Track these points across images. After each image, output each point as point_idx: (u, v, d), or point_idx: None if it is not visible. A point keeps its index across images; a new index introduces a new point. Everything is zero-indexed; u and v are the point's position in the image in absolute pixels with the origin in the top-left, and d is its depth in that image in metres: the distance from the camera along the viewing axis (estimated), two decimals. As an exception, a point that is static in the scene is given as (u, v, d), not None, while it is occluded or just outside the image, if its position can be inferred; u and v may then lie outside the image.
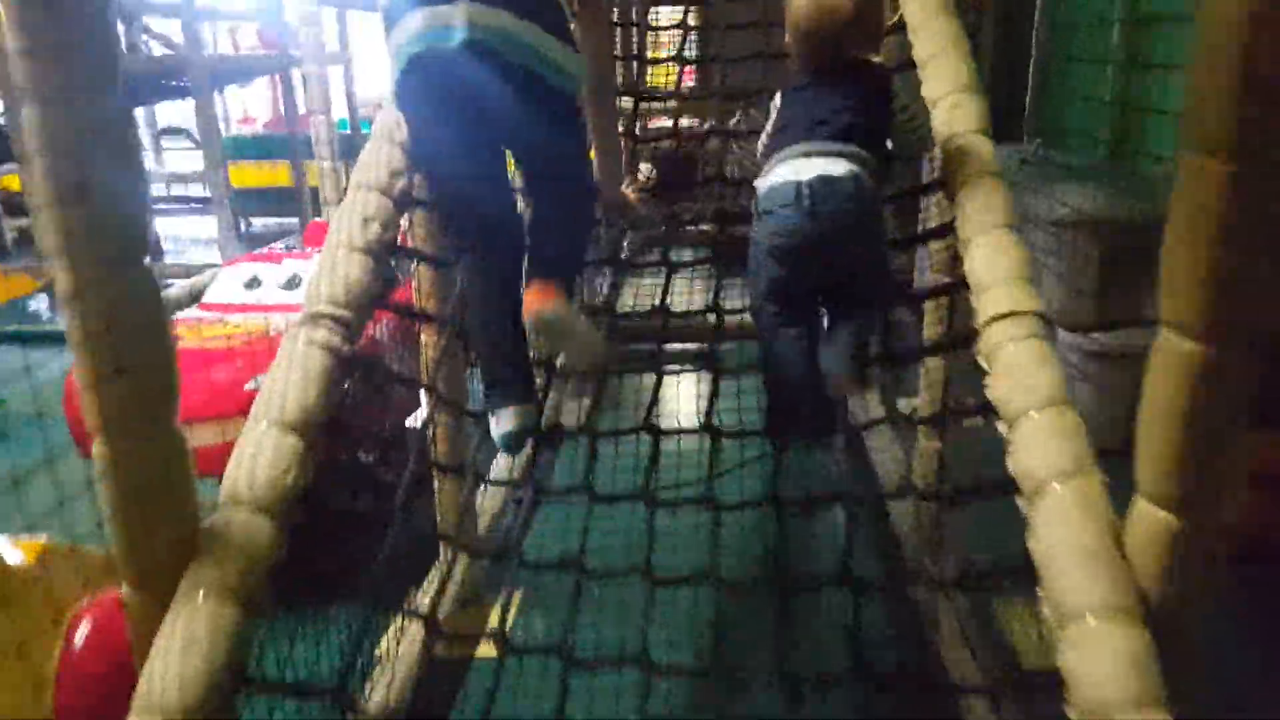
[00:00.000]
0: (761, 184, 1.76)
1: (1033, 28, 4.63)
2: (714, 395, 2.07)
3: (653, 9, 3.87)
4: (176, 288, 5.53)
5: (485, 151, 1.73)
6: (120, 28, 7.98)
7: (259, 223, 10.18)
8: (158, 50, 8.12)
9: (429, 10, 1.58)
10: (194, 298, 3.82)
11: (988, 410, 1.49)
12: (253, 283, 3.35)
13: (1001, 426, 1.42)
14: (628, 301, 2.88)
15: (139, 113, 10.99)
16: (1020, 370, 1.40)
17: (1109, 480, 1.25)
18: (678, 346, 2.49)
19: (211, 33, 10.20)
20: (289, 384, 1.50)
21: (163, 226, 9.83)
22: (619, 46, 3.32)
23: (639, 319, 2.44)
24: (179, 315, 3.31)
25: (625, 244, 2.48)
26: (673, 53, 2.93)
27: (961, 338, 1.76)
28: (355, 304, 1.64)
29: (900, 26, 2.06)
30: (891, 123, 1.79)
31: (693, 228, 3.09)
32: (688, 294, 2.42)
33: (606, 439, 2.10)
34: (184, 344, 2.75)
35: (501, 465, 3.03)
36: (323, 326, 1.59)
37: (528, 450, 2.04)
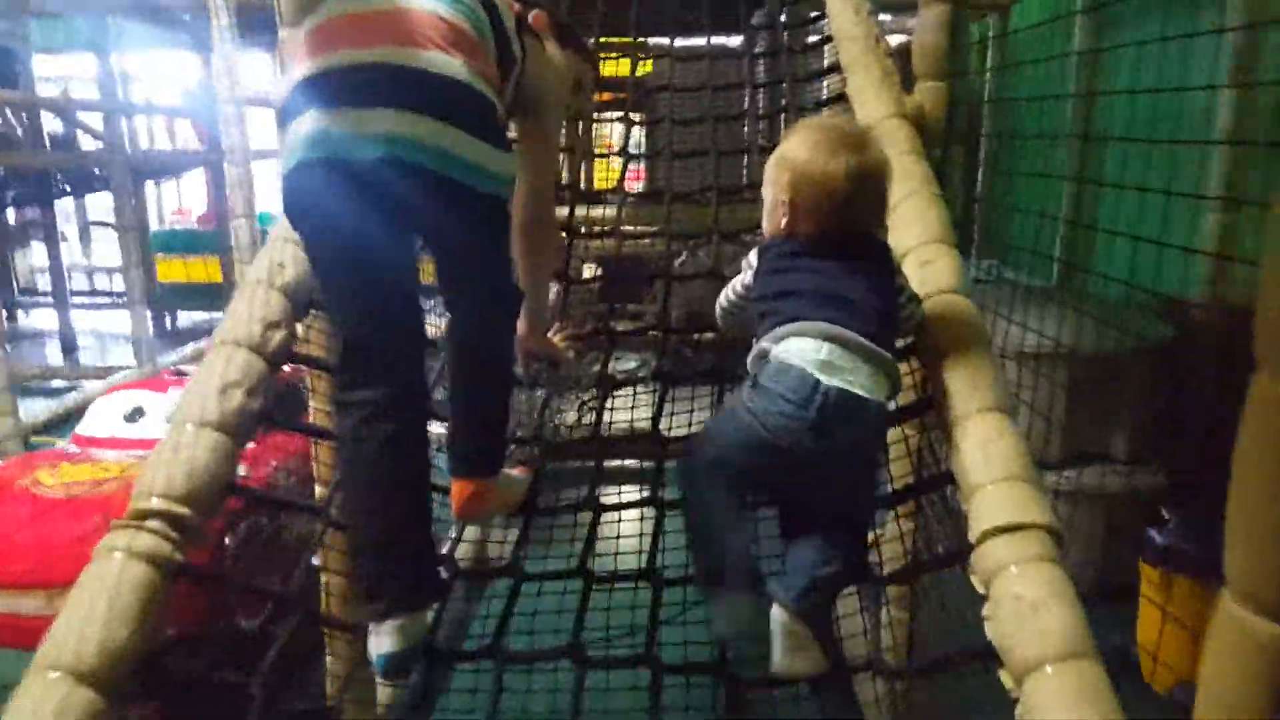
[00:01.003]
0: (771, 346, 1.37)
1: (979, 145, 4.57)
2: (658, 532, 1.72)
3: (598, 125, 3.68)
4: (60, 403, 5.11)
5: (391, 282, 1.40)
6: (50, 120, 7.72)
7: (186, 318, 9.75)
8: (89, 144, 7.84)
9: (334, 112, 1.30)
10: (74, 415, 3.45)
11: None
12: (135, 414, 2.98)
13: (1005, 677, 1.13)
14: (562, 413, 2.55)
15: (68, 204, 10.63)
16: (1031, 606, 1.11)
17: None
18: (618, 463, 2.12)
19: (147, 125, 9.97)
20: (92, 614, 1.15)
21: (86, 321, 9.37)
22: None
23: (574, 444, 2.12)
24: (44, 450, 2.93)
25: (552, 411, 2.14)
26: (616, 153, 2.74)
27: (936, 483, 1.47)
28: (198, 497, 1.31)
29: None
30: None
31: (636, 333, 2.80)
32: (629, 411, 2.07)
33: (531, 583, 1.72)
34: (36, 488, 2.36)
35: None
36: (148, 531, 1.25)
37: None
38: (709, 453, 1.41)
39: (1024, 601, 1.12)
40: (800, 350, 1.33)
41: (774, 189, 1.45)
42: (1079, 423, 3.48)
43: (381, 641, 1.35)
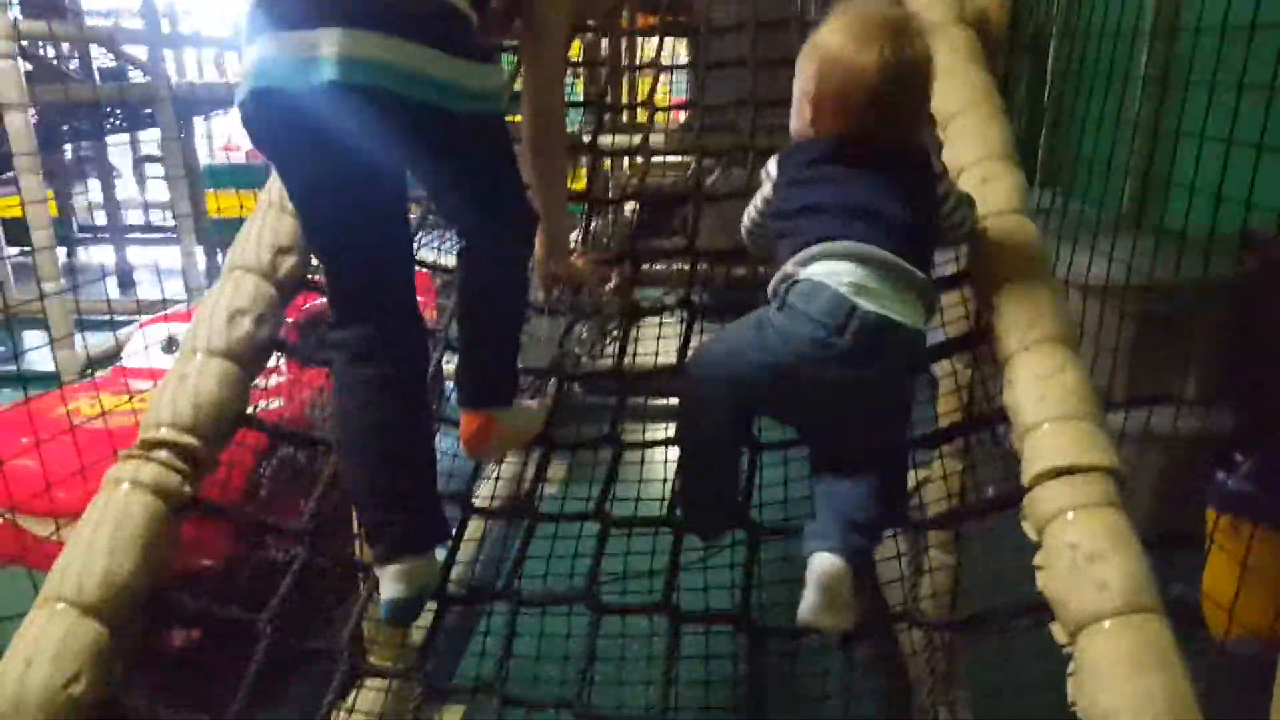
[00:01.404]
0: (798, 270, 1.25)
1: (1048, 67, 4.30)
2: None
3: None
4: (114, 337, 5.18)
5: (366, 215, 1.28)
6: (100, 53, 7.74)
7: (239, 254, 9.86)
8: (136, 77, 7.84)
9: (284, 35, 1.17)
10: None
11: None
12: (170, 344, 2.99)
13: (1057, 632, 1.04)
14: (583, 343, 2.44)
15: (122, 141, 10.74)
16: (1088, 557, 1.01)
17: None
18: (642, 401, 2.01)
19: (196, 59, 9.97)
20: (95, 546, 1.12)
21: (141, 256, 9.51)
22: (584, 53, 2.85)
23: (595, 380, 2.03)
24: (89, 379, 2.95)
25: (573, 340, 2.04)
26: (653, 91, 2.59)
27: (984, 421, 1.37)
28: (207, 428, 1.27)
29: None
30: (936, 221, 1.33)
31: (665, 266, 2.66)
32: (655, 342, 1.96)
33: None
34: (75, 417, 2.37)
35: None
36: (156, 461, 1.20)
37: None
38: (718, 372, 1.30)
39: (1080, 551, 1.02)
40: (831, 272, 1.20)
41: (801, 80, 1.30)
42: (1147, 361, 3.31)
43: (385, 588, 1.29)
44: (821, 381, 1.20)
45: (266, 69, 1.17)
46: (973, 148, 1.47)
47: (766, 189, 1.36)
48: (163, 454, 1.23)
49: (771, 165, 1.37)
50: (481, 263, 1.42)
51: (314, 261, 1.52)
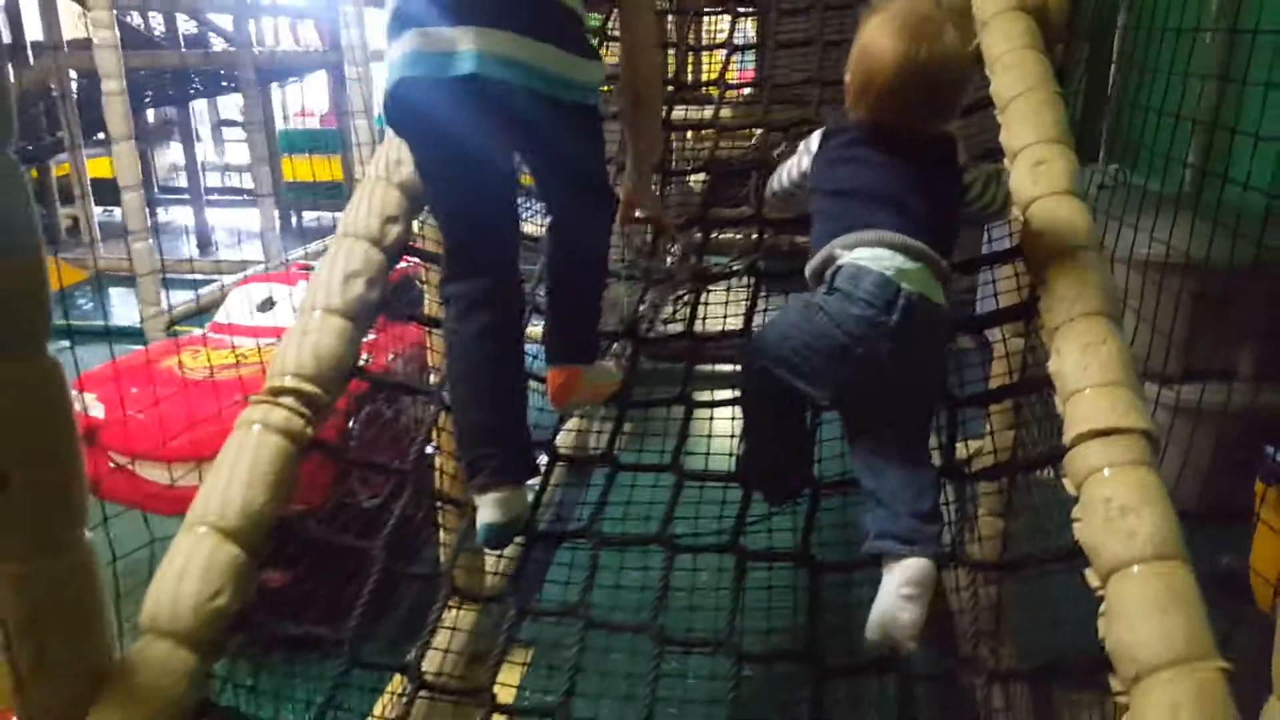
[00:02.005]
0: (842, 253, 1.35)
1: (1113, 40, 4.25)
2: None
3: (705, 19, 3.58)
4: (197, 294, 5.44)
5: (487, 187, 1.49)
6: (184, 20, 8.01)
7: (311, 216, 10.14)
8: (218, 45, 8.12)
9: (429, 32, 1.36)
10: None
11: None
12: (266, 304, 3.19)
13: (1091, 576, 1.15)
14: (657, 308, 2.58)
15: (201, 104, 11.09)
16: (1120, 509, 1.12)
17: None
18: (710, 368, 2.16)
19: (273, 27, 10.22)
20: (233, 479, 1.28)
21: (218, 218, 9.87)
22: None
23: (667, 343, 2.16)
24: (187, 335, 3.17)
25: (647, 305, 2.18)
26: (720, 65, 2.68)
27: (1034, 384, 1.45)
28: (326, 377, 1.42)
29: (977, 58, 1.76)
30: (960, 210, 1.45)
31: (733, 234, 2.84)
32: (723, 307, 2.10)
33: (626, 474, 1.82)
34: (180, 369, 2.57)
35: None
36: (283, 406, 1.37)
37: (538, 485, 1.81)
38: (774, 350, 1.41)
39: (1113, 504, 1.13)
40: (874, 256, 1.32)
41: (852, 73, 1.42)
42: (1202, 337, 3.33)
43: (483, 514, 1.45)
44: (872, 357, 1.30)
45: (412, 61, 1.36)
46: (1028, 131, 1.56)
47: (805, 161, 1.49)
48: (288, 399, 1.38)
49: (814, 139, 1.49)
50: (570, 234, 1.57)
51: (414, 228, 1.69)
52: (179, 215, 10.38)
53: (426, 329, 2.02)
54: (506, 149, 1.49)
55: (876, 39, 1.36)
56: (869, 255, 1.32)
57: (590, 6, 1.66)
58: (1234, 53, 3.75)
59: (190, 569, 1.20)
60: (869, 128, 1.40)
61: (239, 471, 1.29)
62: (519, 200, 1.66)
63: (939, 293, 1.34)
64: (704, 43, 2.95)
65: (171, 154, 11.28)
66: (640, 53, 1.73)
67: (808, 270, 1.45)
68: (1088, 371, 1.26)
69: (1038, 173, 1.49)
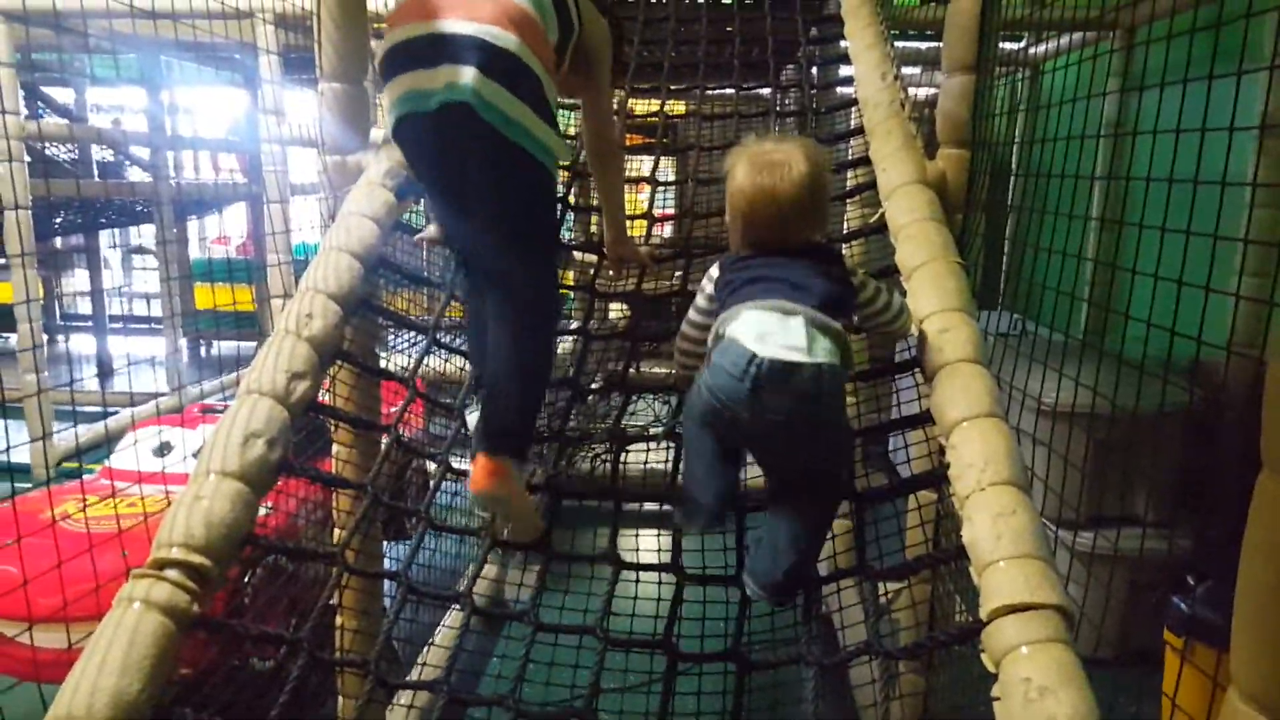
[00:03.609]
0: (724, 323, 1.53)
1: (1006, 209, 4.53)
2: (677, 602, 1.74)
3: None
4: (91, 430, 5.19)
5: (470, 206, 1.67)
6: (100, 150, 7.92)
7: (221, 346, 9.88)
8: (136, 175, 8.02)
9: (411, 74, 1.58)
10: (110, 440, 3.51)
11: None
12: (163, 449, 3.04)
13: (1013, 763, 1.12)
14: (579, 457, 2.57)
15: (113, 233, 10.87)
16: (1039, 690, 1.10)
17: (1101, 695, 1.05)
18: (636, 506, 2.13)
19: (192, 158, 10.19)
20: (105, 666, 1.17)
21: (123, 347, 9.53)
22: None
23: (590, 482, 2.19)
24: (71, 482, 2.98)
25: (585, 366, 2.27)
26: (644, 208, 2.78)
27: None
28: (217, 548, 1.33)
29: (880, 228, 1.85)
30: (855, 305, 1.61)
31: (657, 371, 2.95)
32: (645, 451, 2.09)
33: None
34: (62, 521, 2.40)
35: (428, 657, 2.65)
36: (167, 580, 1.27)
37: (448, 647, 1.74)
38: (691, 414, 1.58)
39: (1033, 685, 1.11)
40: (744, 324, 1.48)
41: (728, 209, 1.65)
42: (1105, 482, 3.43)
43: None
44: (740, 420, 1.46)
45: (404, 99, 1.59)
46: (933, 299, 1.62)
47: (709, 288, 1.65)
48: (174, 573, 1.29)
49: (713, 269, 1.66)
50: (509, 309, 1.66)
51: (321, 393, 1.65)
52: (79, 344, 10.02)
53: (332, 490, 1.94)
54: (489, 170, 1.64)
55: (736, 179, 1.59)
56: (737, 326, 1.48)
57: (563, 92, 2.03)
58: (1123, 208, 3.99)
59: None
60: (757, 248, 1.60)
61: (113, 656, 1.19)
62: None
63: (814, 347, 1.44)
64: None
65: (77, 280, 10.97)
66: (604, 126, 2.09)
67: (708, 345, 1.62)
68: (1000, 543, 1.27)
69: (942, 340, 1.54)
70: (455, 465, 1.94)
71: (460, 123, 1.53)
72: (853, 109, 2.35)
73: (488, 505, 1.74)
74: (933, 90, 2.57)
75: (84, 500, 2.44)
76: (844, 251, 1.92)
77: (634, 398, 2.22)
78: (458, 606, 1.75)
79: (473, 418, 1.81)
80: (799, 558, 1.55)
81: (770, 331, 1.44)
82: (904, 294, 1.71)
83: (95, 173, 7.70)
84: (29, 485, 4.44)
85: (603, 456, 2.13)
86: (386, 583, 1.96)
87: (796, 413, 1.43)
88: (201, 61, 6.79)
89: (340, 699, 2.20)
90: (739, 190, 1.58)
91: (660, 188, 2.80)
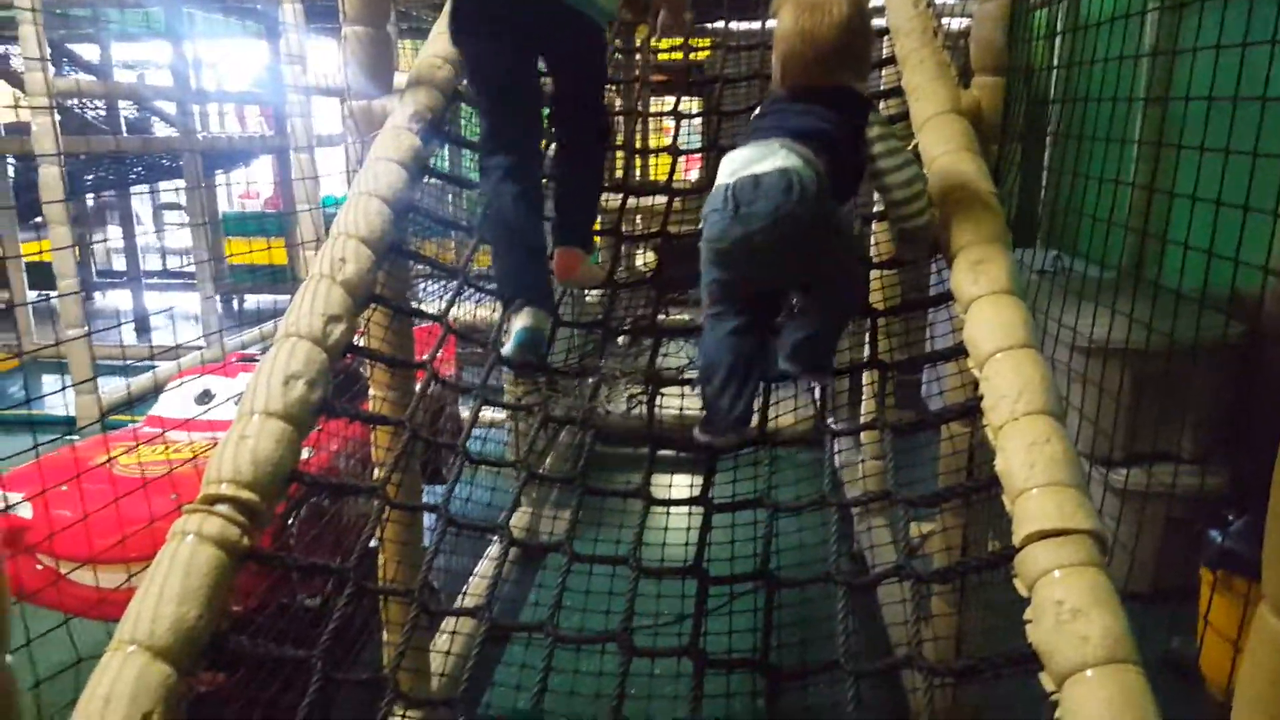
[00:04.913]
0: (721, 179, 1.67)
1: (1046, 138, 4.43)
2: (706, 529, 1.78)
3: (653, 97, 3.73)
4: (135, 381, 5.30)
5: (517, 80, 1.94)
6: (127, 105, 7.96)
7: (252, 300, 9.99)
8: (161, 130, 8.07)
9: None
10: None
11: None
12: (204, 397, 3.11)
13: (1045, 680, 1.14)
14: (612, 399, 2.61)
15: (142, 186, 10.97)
16: (1071, 612, 1.12)
17: (1137, 627, 1.06)
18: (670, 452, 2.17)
19: (218, 111, 10.23)
20: (163, 594, 1.22)
21: (159, 302, 9.67)
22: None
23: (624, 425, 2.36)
24: (120, 430, 3.06)
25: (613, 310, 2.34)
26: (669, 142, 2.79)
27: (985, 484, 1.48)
28: (264, 484, 1.37)
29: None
30: (867, 158, 1.68)
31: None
32: (680, 396, 2.13)
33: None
34: (113, 467, 2.48)
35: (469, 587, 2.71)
36: (218, 515, 1.31)
37: (489, 578, 1.76)
38: (703, 290, 1.72)
39: (1065, 607, 1.13)
40: (724, 164, 1.63)
41: (773, 53, 1.75)
42: (1143, 419, 3.40)
43: (519, 322, 1.85)
44: (736, 253, 1.60)
45: None
46: (967, 231, 1.60)
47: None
48: (224, 508, 1.33)
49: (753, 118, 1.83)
50: (573, 148, 2.05)
51: (355, 338, 1.68)
52: (117, 300, 10.17)
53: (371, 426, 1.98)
54: (533, 56, 1.96)
55: (781, 20, 1.70)
56: (721, 173, 1.62)
57: None
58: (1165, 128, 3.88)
59: (117, 692, 1.13)
60: (786, 91, 1.72)
61: (171, 585, 1.23)
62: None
63: (785, 163, 1.55)
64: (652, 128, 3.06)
65: (110, 237, 11.10)
66: None
67: None
68: (1033, 471, 1.28)
69: (978, 271, 1.53)
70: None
71: (532, 4, 1.82)
72: (884, 39, 2.30)
73: (569, 285, 2.21)
74: (965, 20, 2.51)
75: (136, 446, 2.52)
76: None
77: (665, 340, 2.23)
78: (496, 539, 1.79)
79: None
80: (814, 331, 1.69)
81: (746, 162, 1.59)
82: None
83: (124, 129, 7.75)
84: (76, 435, 4.56)
85: (639, 397, 2.16)
86: (427, 519, 2.01)
87: (780, 215, 1.53)
88: (225, 12, 6.77)
89: (384, 633, 2.26)
90: (781, 35, 1.69)
91: (685, 122, 2.81)
